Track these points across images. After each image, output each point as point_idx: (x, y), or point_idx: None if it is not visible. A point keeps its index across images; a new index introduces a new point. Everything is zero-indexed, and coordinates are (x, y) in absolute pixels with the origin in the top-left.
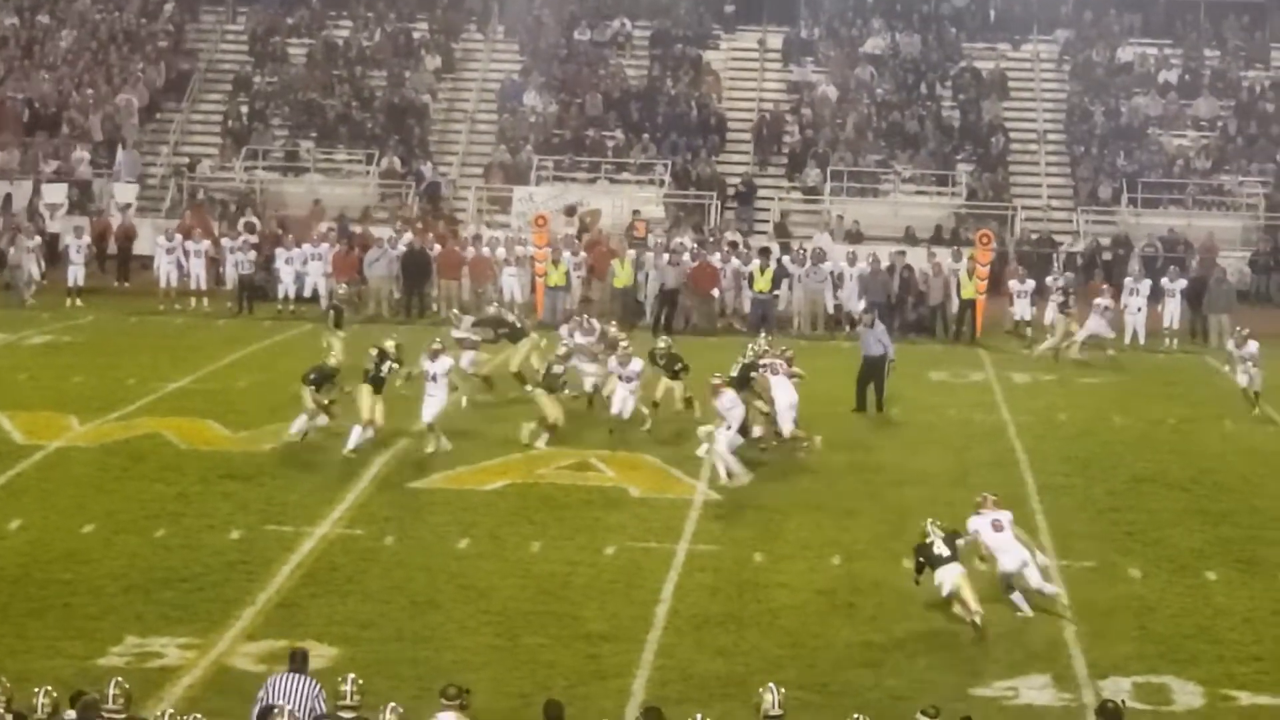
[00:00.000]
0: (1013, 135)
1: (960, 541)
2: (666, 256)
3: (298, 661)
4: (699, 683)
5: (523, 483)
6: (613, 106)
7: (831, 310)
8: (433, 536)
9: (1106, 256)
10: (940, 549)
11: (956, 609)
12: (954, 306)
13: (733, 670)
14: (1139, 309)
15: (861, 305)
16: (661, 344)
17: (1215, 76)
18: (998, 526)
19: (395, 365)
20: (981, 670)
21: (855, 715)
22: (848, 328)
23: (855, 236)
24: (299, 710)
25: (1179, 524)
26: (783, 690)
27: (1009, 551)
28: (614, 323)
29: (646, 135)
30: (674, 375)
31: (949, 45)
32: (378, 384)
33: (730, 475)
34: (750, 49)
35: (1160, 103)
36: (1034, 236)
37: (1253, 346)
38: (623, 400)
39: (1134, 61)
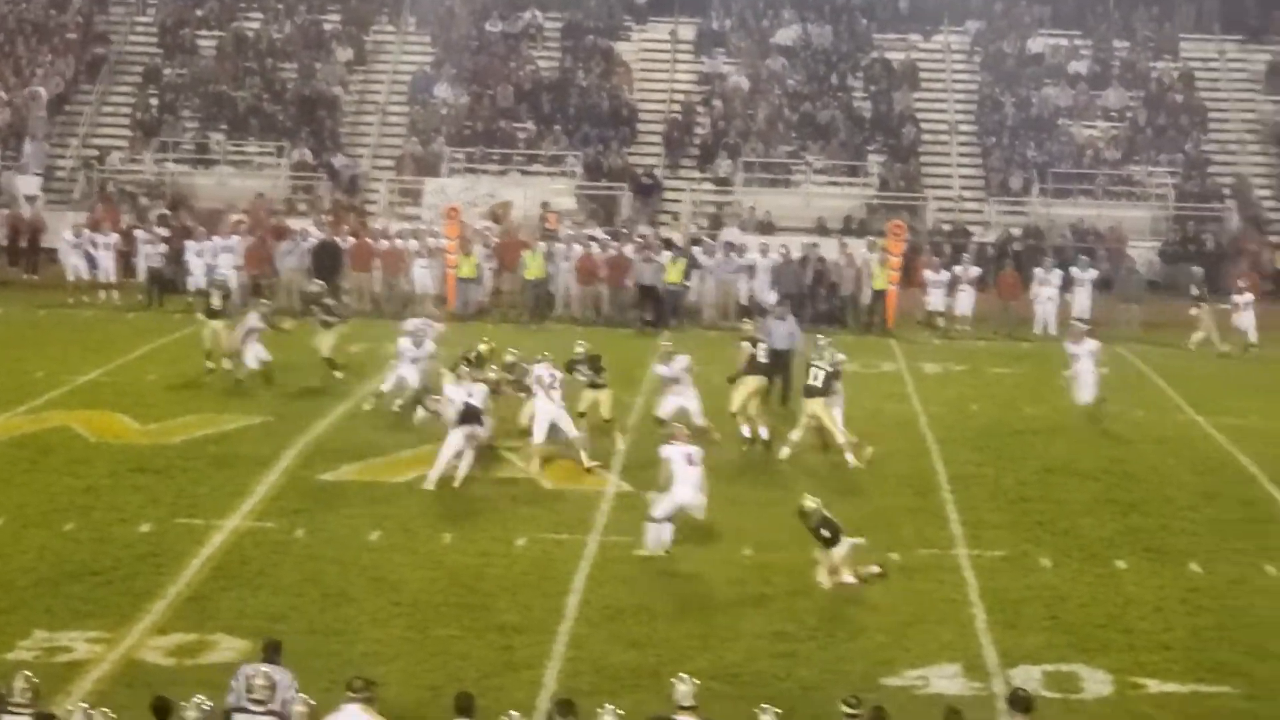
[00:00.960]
0: (924, 126)
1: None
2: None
3: (270, 651)
4: (611, 674)
5: None
6: (524, 98)
7: (745, 301)
8: (344, 529)
9: (1017, 247)
10: (826, 531)
11: (829, 581)
12: (866, 297)
13: (644, 661)
14: (1049, 299)
15: (774, 297)
16: (579, 350)
17: (1125, 67)
18: (691, 460)
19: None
20: (892, 659)
21: (763, 705)
22: (759, 319)
23: (767, 227)
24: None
25: (1089, 513)
26: (695, 681)
27: (690, 484)
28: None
29: (558, 127)
30: (596, 385)
31: (860, 36)
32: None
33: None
34: (662, 40)
35: (1070, 93)
36: (946, 227)
37: (1091, 344)
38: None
39: (1044, 52)
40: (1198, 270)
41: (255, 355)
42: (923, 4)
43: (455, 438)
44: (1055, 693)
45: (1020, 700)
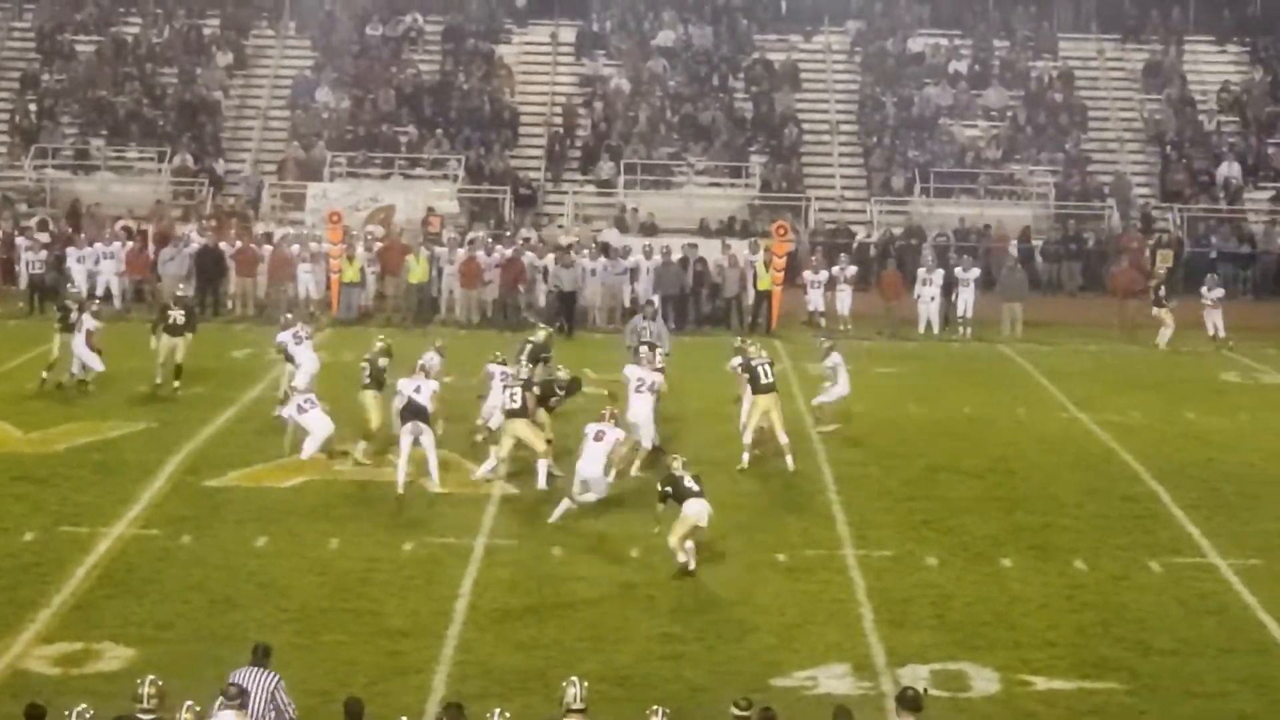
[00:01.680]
0: (805, 126)
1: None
2: (554, 258)
3: (259, 655)
4: (499, 677)
5: (321, 479)
6: (405, 102)
7: (628, 304)
8: (230, 535)
9: (899, 245)
10: (690, 484)
11: (678, 543)
12: (749, 298)
13: (533, 664)
14: (932, 298)
15: (657, 298)
16: (536, 338)
17: (1004, 67)
18: (599, 436)
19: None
20: (781, 660)
21: (654, 707)
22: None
23: (649, 229)
24: (258, 702)
25: (974, 512)
26: (585, 683)
27: (592, 460)
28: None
29: (440, 130)
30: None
31: (741, 37)
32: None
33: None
34: (542, 43)
35: (951, 93)
36: (828, 227)
37: (835, 358)
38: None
39: (925, 52)
40: (1163, 271)
41: (83, 360)
42: (803, 5)
43: (403, 439)
44: (943, 691)
45: (909, 700)
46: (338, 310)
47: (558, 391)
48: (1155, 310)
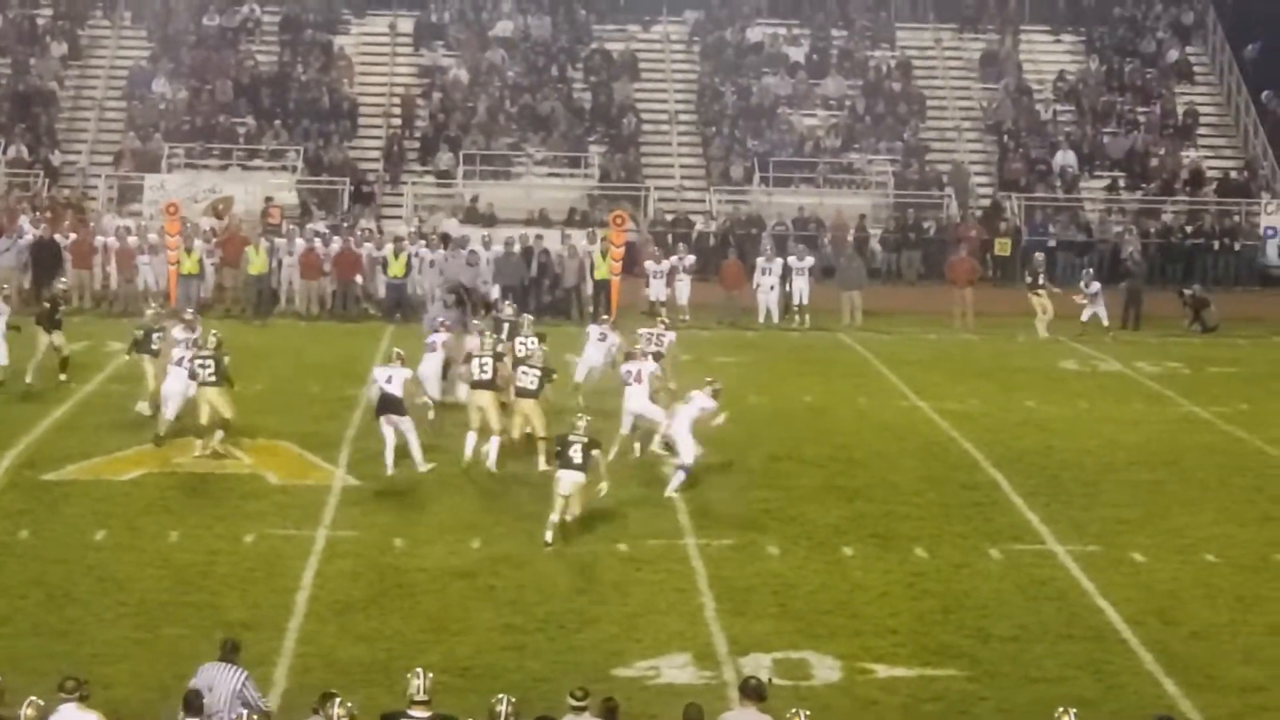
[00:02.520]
0: (644, 116)
1: (595, 453)
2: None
3: (226, 650)
4: (342, 669)
5: (160, 472)
6: (243, 93)
7: None
8: (68, 529)
9: (739, 234)
10: (575, 455)
11: (558, 514)
12: (589, 288)
13: (375, 656)
14: (771, 287)
15: (496, 290)
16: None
17: (843, 56)
18: (638, 378)
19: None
20: (623, 650)
21: (499, 696)
22: (483, 310)
23: (489, 219)
24: (223, 698)
25: (815, 501)
26: (429, 675)
27: (636, 398)
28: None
29: (278, 121)
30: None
31: (579, 27)
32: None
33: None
34: (381, 34)
35: (790, 82)
36: (668, 217)
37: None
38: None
39: (763, 41)
40: (1039, 256)
41: None
42: None
43: (384, 430)
44: (785, 680)
45: (752, 689)
46: (176, 302)
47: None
48: (1031, 297)
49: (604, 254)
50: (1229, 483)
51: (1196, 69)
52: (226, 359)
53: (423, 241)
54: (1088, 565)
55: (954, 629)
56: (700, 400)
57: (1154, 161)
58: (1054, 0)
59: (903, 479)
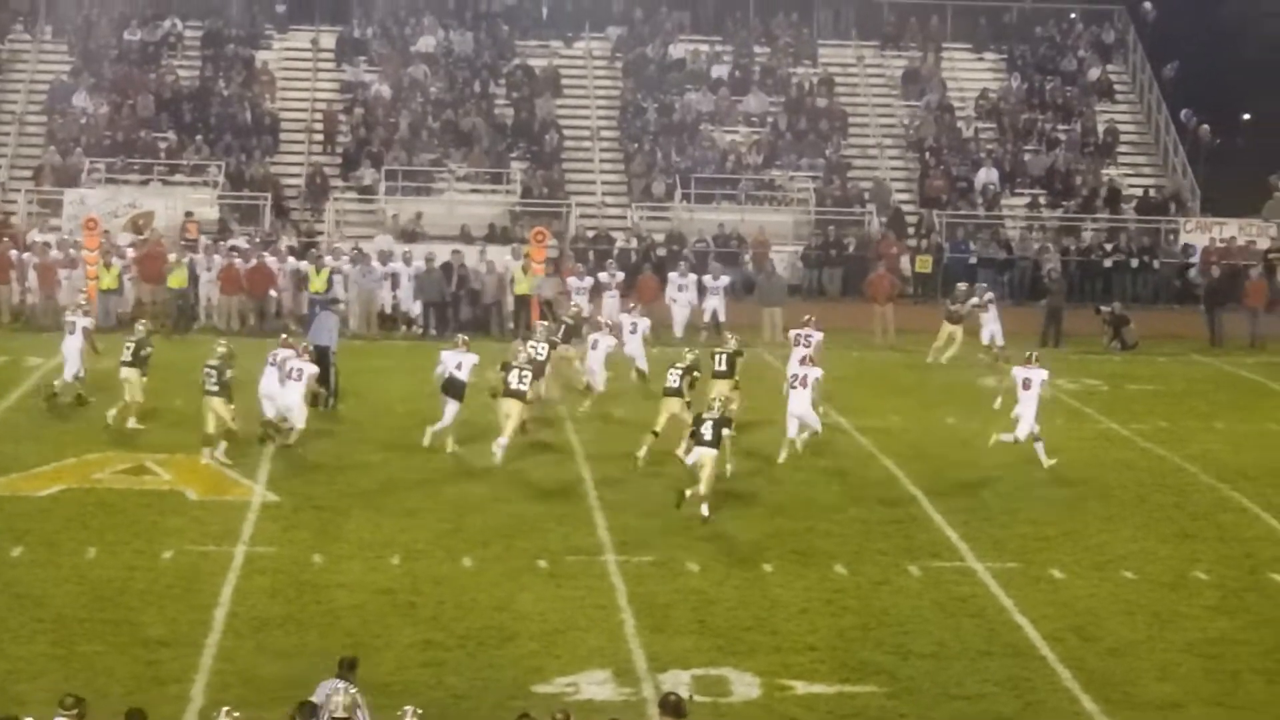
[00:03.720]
0: (567, 132)
1: (726, 431)
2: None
3: (344, 668)
4: (260, 686)
5: (78, 488)
6: (165, 107)
7: (388, 310)
8: None
9: (661, 253)
10: (706, 432)
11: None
12: (510, 304)
13: (294, 672)
14: (688, 304)
15: (418, 306)
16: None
17: (765, 73)
18: (1027, 385)
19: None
20: (543, 666)
21: (405, 707)
22: (404, 327)
23: (411, 235)
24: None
25: (736, 517)
26: (354, 691)
27: (1028, 406)
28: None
29: (200, 136)
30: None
31: (502, 43)
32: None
33: None
34: (303, 49)
35: (712, 99)
36: (590, 234)
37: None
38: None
39: (685, 58)
40: (963, 286)
41: None
42: (564, 11)
43: (448, 408)
44: (705, 696)
45: (671, 705)
46: (96, 317)
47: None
48: (947, 325)
49: (525, 270)
50: (1148, 500)
51: (1117, 87)
52: (230, 371)
53: (346, 257)
54: (1007, 582)
55: (873, 646)
56: (812, 375)
57: (1075, 179)
58: (976, 18)
59: (823, 496)
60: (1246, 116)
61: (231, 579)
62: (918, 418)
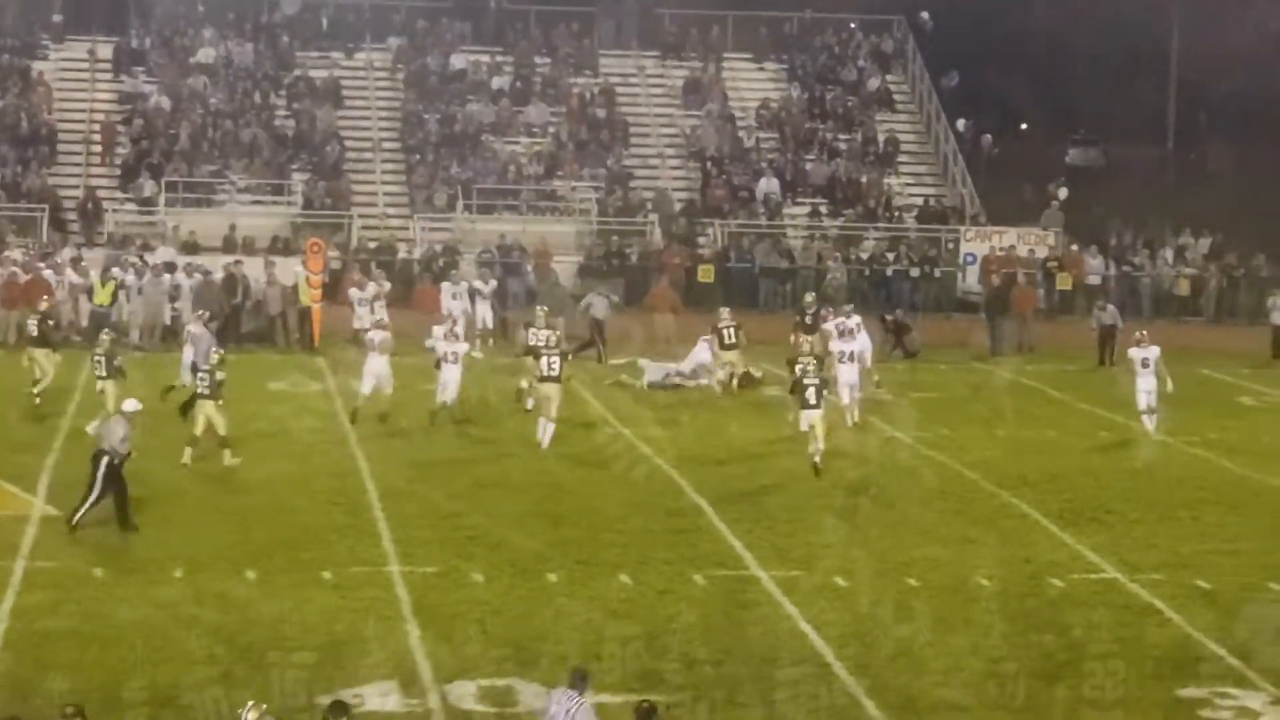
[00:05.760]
0: (348, 143)
1: (825, 393)
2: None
3: (575, 679)
4: (43, 700)
5: None
6: None
7: (169, 322)
8: None
9: (443, 263)
10: (811, 397)
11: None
12: (293, 316)
13: (76, 687)
14: (464, 312)
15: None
16: None
17: (546, 83)
18: (1145, 364)
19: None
20: (328, 678)
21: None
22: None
23: (192, 248)
24: None
25: (520, 527)
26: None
27: (1146, 380)
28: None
29: None
30: None
31: (282, 54)
32: None
33: None
34: (80, 59)
35: (493, 109)
36: (372, 244)
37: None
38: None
39: (466, 69)
40: (811, 297)
41: None
42: (344, 21)
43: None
44: (491, 707)
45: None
46: None
47: None
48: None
49: (306, 281)
50: (930, 506)
51: (897, 97)
52: (221, 375)
53: (133, 269)
54: (791, 590)
55: (658, 654)
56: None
57: (856, 188)
58: (756, 29)
59: (607, 505)
60: (1024, 126)
61: (10, 595)
62: (701, 427)
